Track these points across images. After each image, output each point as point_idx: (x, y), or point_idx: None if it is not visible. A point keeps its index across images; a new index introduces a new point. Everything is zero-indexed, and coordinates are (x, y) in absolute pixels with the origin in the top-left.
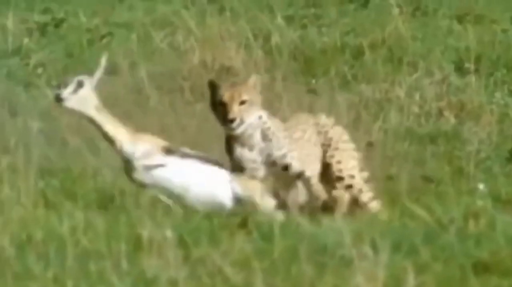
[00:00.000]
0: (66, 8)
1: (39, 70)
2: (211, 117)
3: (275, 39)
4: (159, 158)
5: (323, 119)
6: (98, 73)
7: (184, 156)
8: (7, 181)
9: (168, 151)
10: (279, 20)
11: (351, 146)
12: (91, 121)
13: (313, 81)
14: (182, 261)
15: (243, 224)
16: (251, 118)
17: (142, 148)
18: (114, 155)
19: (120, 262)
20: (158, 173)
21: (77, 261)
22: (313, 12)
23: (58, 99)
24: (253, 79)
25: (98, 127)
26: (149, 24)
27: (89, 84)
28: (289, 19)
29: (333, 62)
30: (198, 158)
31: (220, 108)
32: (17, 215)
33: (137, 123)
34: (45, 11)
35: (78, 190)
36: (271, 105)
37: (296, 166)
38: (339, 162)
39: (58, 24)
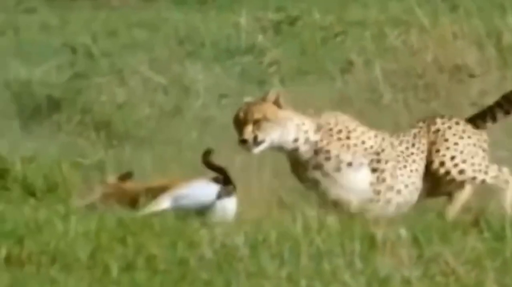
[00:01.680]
0: (301, 6)
1: (273, 68)
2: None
3: (506, 38)
4: None
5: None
6: None
7: None
8: (241, 181)
9: None
10: (511, 19)
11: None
12: None
13: None
14: (415, 260)
15: (475, 223)
16: (271, 136)
17: None
18: None
19: (353, 261)
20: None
21: (310, 260)
22: None
23: None
24: (273, 93)
25: None
26: (383, 22)
27: None
28: None
29: None
30: None
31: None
32: (251, 215)
33: (370, 121)
34: (279, 9)
35: None
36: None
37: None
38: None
39: (292, 22)
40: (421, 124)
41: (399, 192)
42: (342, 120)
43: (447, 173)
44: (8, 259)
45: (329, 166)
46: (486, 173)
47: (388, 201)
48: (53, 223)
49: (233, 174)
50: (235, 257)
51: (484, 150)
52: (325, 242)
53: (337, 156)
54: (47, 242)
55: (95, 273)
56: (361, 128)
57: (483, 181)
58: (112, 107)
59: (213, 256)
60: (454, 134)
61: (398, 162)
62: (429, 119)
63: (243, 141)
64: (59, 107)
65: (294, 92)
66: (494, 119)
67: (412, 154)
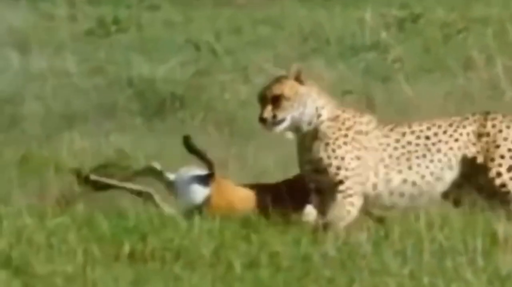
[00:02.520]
0: (424, 3)
1: (397, 65)
2: None
3: None
4: None
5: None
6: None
7: None
8: None
9: None
10: None
11: None
12: None
13: None
14: None
15: None
16: (292, 114)
17: None
18: None
19: (475, 258)
20: None
21: (433, 257)
22: None
23: None
24: (294, 68)
25: None
26: (505, 19)
27: None
28: None
29: None
30: None
31: None
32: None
33: None
34: (403, 6)
35: None
36: None
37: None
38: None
39: (415, 19)
40: (469, 116)
41: (414, 183)
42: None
43: (503, 185)
44: (131, 255)
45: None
46: None
47: (399, 193)
48: (177, 220)
49: None
50: (358, 254)
51: None
52: (448, 239)
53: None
54: (171, 239)
55: (218, 270)
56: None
57: None
58: (236, 105)
59: (336, 253)
60: (506, 139)
61: (414, 151)
62: (481, 116)
63: (262, 120)
64: (183, 104)
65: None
66: None
67: (440, 141)
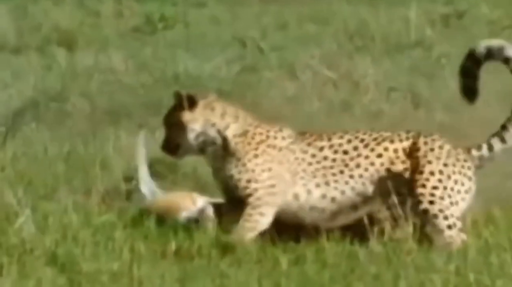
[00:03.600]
0: (469, 0)
1: (442, 61)
2: None
3: None
4: None
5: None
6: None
7: None
8: None
9: None
10: None
11: None
12: None
13: None
14: None
15: None
16: (184, 139)
17: None
18: None
19: None
20: None
21: (479, 254)
22: None
23: None
24: (184, 96)
25: None
26: None
27: None
28: None
29: None
30: None
31: None
32: None
33: None
34: (448, 2)
35: None
36: None
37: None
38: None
39: (460, 15)
40: (402, 133)
41: (333, 199)
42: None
43: (421, 202)
44: (178, 253)
45: None
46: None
47: (320, 209)
48: None
49: None
50: (404, 250)
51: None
52: (493, 235)
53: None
54: (217, 235)
55: (265, 266)
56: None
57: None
58: (282, 102)
59: (382, 249)
60: (438, 158)
61: (330, 167)
62: (415, 134)
63: (163, 149)
64: (229, 101)
65: None
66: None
67: (359, 156)
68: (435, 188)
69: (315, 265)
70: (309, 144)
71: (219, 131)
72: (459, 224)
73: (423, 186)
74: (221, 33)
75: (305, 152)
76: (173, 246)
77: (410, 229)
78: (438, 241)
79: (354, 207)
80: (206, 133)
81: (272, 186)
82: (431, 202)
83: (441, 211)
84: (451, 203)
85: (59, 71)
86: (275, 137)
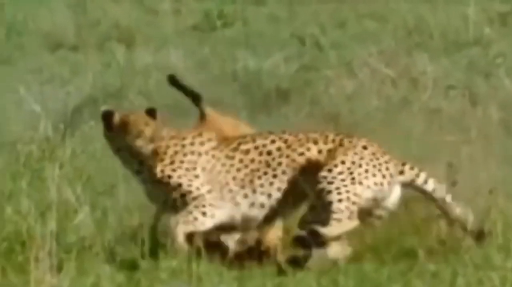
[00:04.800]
0: None
1: (499, 60)
2: None
3: None
4: None
5: None
6: None
7: None
8: (468, 170)
9: None
10: None
11: None
12: None
13: None
14: None
15: None
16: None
17: None
18: None
19: None
20: None
21: None
22: None
23: None
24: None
25: None
26: None
27: None
28: None
29: None
30: None
31: None
32: (478, 205)
33: None
34: (506, 0)
35: None
36: None
37: None
38: None
39: None
40: (330, 134)
41: (262, 205)
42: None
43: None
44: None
45: None
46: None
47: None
48: None
49: (460, 163)
50: (462, 248)
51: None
52: None
53: None
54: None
55: None
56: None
57: None
58: (341, 99)
59: (440, 247)
60: (355, 153)
61: (256, 170)
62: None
63: None
64: (288, 99)
65: None
66: None
67: (281, 156)
68: (340, 173)
69: (373, 263)
70: (235, 149)
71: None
72: (353, 200)
73: (329, 170)
74: (279, 30)
75: (232, 158)
76: None
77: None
78: (327, 215)
79: (288, 205)
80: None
81: (209, 191)
82: (330, 183)
83: (337, 188)
84: (352, 183)
85: (117, 68)
86: (192, 144)
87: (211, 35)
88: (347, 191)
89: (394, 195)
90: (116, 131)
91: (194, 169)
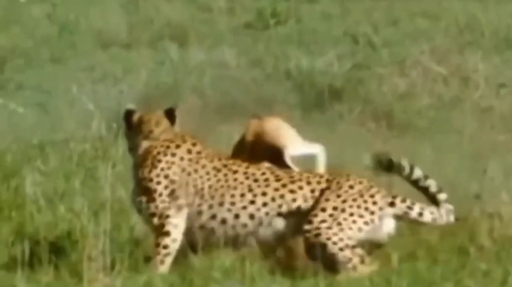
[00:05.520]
0: None
1: None
2: None
3: None
4: None
5: None
6: None
7: None
8: None
9: None
10: None
11: None
12: None
13: None
14: None
15: None
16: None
17: None
18: None
19: None
20: None
21: None
22: None
23: None
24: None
25: None
26: None
27: None
28: None
29: None
30: None
31: None
32: None
33: None
34: None
35: None
36: None
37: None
38: None
39: None
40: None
41: (223, 221)
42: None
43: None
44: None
45: None
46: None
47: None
48: None
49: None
50: None
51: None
52: None
53: None
54: None
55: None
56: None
57: None
58: (393, 98)
59: (492, 245)
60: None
61: (233, 188)
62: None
63: None
64: (341, 97)
65: None
66: None
67: (268, 186)
68: (322, 221)
69: (426, 262)
70: (225, 165)
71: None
72: (352, 244)
73: (310, 222)
74: (332, 28)
75: (218, 170)
76: None
77: None
78: (336, 265)
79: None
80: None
81: (177, 197)
82: (317, 235)
83: (328, 239)
84: (341, 230)
85: (171, 66)
86: (178, 147)
87: (264, 33)
88: (341, 239)
89: (387, 228)
90: (134, 131)
91: (174, 173)
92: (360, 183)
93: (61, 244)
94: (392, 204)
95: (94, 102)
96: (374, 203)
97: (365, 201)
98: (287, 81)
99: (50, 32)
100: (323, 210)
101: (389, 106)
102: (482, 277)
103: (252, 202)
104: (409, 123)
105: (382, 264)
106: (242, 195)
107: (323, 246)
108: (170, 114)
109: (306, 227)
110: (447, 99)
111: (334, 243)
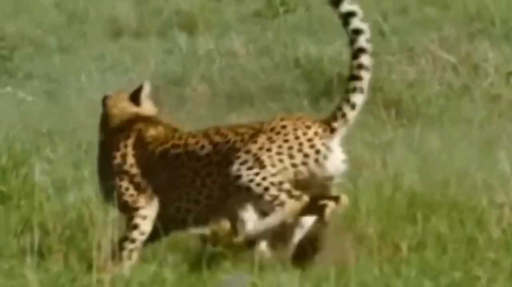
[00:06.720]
0: None
1: None
2: None
3: None
4: None
5: None
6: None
7: None
8: None
9: None
10: None
11: None
12: None
13: None
14: None
15: None
16: None
17: None
18: None
19: None
20: None
21: None
22: None
23: None
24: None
25: None
26: None
27: None
28: None
29: None
30: None
31: None
32: None
33: None
34: None
35: None
36: None
37: None
38: None
39: None
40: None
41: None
42: None
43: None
44: None
45: None
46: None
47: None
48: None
49: None
50: None
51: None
52: None
53: None
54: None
55: (385, 252)
56: None
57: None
58: (402, 86)
59: (501, 235)
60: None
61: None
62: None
63: None
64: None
65: None
66: None
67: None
68: (242, 163)
69: (435, 251)
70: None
71: None
72: (278, 183)
73: (231, 164)
74: None
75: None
76: None
77: None
78: (264, 206)
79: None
80: None
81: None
82: (237, 177)
83: (250, 181)
84: (262, 167)
85: (179, 55)
86: (146, 131)
87: (274, 21)
88: (264, 178)
89: (336, 159)
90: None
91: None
92: (298, 119)
93: (70, 233)
94: (333, 130)
95: (103, 91)
96: (310, 139)
97: (300, 143)
98: (296, 69)
99: (59, 21)
100: (247, 152)
101: (399, 95)
102: (491, 267)
103: (203, 185)
104: (418, 111)
105: (391, 253)
106: (194, 182)
107: (247, 189)
108: (135, 97)
109: (227, 170)
110: (457, 87)
111: (258, 185)
